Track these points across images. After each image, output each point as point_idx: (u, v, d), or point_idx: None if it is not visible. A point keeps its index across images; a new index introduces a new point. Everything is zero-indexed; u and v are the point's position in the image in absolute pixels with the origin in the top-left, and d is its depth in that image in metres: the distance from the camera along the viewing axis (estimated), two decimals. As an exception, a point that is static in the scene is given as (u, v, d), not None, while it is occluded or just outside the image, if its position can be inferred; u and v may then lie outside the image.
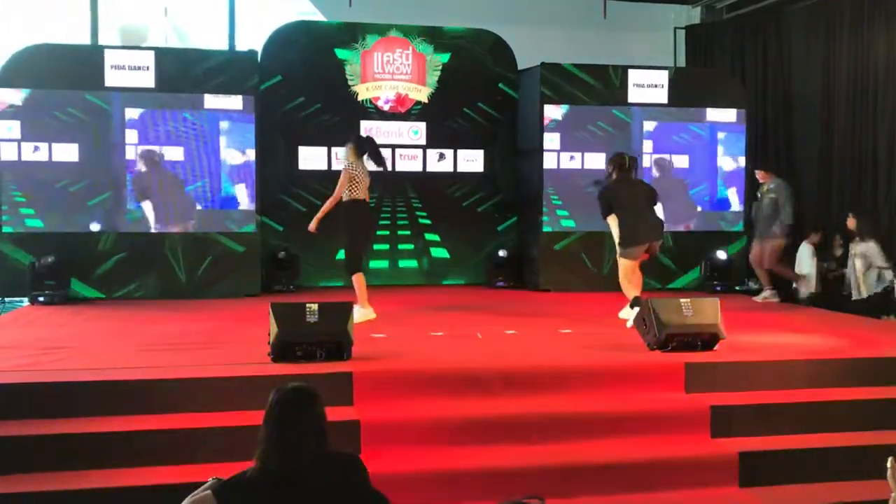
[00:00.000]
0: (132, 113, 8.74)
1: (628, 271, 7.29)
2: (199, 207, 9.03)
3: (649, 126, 9.99)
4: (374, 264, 9.70)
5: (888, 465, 1.77)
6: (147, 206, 8.91)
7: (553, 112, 9.76)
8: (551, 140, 9.76)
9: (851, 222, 8.98)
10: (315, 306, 5.42)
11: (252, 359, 5.42)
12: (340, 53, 9.99)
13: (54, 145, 8.33)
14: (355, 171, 7.32)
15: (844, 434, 5.10)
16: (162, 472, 4.36)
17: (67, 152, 8.40)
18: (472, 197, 10.36)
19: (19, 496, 4.10)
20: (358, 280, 7.33)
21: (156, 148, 8.80)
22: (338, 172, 9.65)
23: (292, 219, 9.86)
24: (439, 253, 10.32)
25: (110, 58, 8.87)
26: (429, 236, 10.27)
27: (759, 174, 9.21)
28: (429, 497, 4.38)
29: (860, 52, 9.82)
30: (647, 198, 7.44)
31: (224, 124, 9.11)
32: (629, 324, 6.75)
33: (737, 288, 9.94)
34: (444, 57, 10.21)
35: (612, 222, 7.31)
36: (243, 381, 4.96)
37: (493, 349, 6.01)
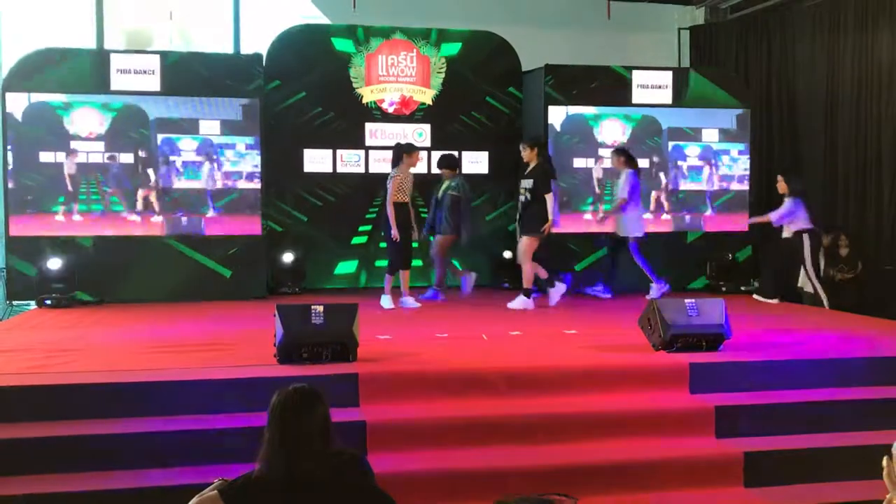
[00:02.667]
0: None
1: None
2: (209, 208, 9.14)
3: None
4: (379, 263, 9.70)
5: (883, 464, 1.77)
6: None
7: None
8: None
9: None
10: (321, 308, 5.43)
11: (258, 360, 5.44)
12: (345, 56, 10.03)
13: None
14: (403, 176, 8.21)
15: (849, 434, 5.10)
16: (169, 473, 4.38)
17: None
18: (476, 198, 10.36)
19: (28, 497, 4.13)
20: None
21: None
22: (343, 174, 9.66)
23: (298, 221, 9.91)
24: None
25: (116, 61, 8.92)
26: (432, 238, 10.27)
27: (444, 173, 9.17)
28: (434, 497, 4.39)
29: (864, 51, 9.81)
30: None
31: (229, 126, 9.17)
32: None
33: (742, 288, 9.92)
34: (449, 58, 10.24)
35: (550, 200, 8.17)
36: (250, 382, 4.98)
37: (498, 350, 6.02)
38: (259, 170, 9.23)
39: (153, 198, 8.88)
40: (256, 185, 9.23)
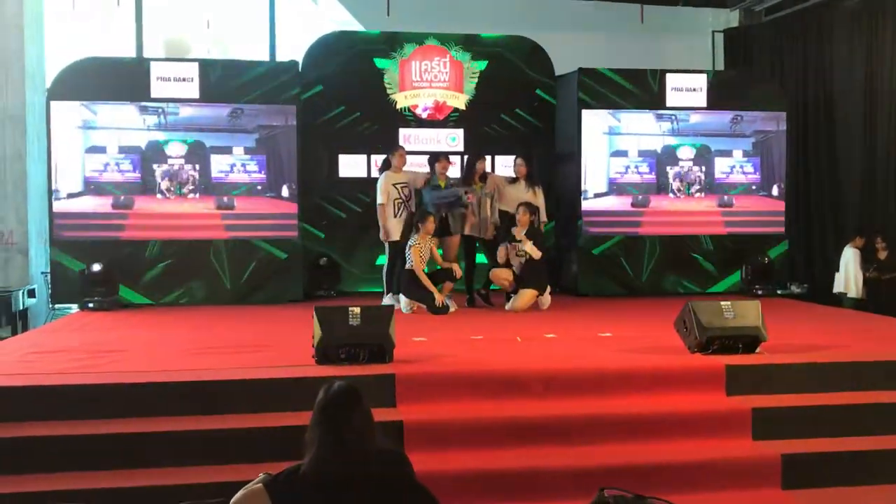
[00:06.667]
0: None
1: None
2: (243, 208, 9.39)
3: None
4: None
5: None
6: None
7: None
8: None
9: None
10: (358, 310, 5.51)
11: (297, 361, 5.53)
12: (379, 62, 10.13)
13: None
14: (423, 244, 8.37)
15: (888, 437, 5.05)
16: (210, 470, 4.47)
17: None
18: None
19: (74, 493, 4.24)
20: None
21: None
22: (377, 179, 9.76)
23: (333, 225, 10.02)
24: (478, 258, 10.35)
25: (156, 70, 9.13)
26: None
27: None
28: (470, 497, 4.43)
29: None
30: None
31: (266, 132, 9.33)
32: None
33: (778, 291, 9.86)
34: (482, 64, 10.30)
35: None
36: (289, 382, 5.06)
37: (533, 352, 6.05)
38: (296, 174, 9.36)
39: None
40: (292, 190, 9.36)
